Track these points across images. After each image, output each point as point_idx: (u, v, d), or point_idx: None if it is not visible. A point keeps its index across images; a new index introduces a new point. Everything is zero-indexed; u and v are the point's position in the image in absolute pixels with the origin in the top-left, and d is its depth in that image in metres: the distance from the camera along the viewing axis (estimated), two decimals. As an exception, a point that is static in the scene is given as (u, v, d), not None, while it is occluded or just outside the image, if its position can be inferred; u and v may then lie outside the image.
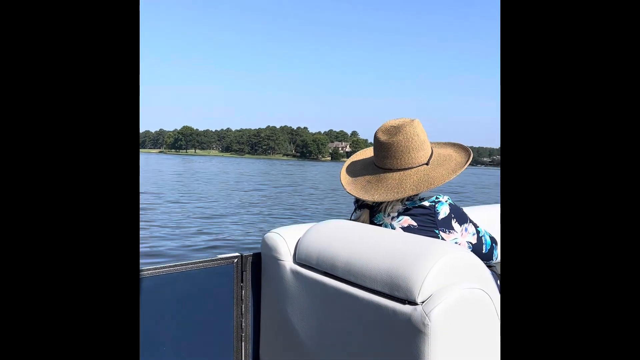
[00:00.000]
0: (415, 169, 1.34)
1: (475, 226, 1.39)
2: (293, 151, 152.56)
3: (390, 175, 1.36)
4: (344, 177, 1.48)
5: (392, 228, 1.33)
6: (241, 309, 1.49)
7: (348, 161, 1.57)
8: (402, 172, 1.35)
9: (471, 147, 1.46)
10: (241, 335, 1.49)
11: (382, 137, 1.37)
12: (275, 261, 1.39)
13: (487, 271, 1.11)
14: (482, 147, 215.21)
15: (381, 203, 1.38)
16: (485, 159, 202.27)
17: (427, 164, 1.35)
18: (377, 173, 1.40)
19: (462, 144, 1.46)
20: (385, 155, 1.37)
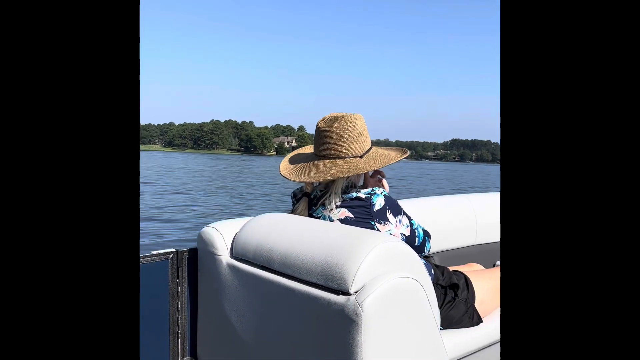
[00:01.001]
0: (347, 159, 1.39)
1: (409, 218, 1.45)
2: (237, 146, 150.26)
3: (323, 161, 1.41)
4: (283, 164, 1.52)
5: (330, 220, 1.37)
6: (177, 306, 1.47)
7: (294, 152, 1.61)
8: (334, 160, 1.39)
9: (417, 142, 1.53)
10: (177, 332, 1.48)
11: (321, 125, 1.43)
12: (212, 256, 1.39)
13: (419, 261, 1.17)
14: (427, 142, 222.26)
15: (322, 197, 1.41)
16: (429, 154, 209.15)
17: (361, 157, 1.40)
18: (312, 160, 1.44)
19: (404, 149, 1.53)
20: (321, 142, 1.42)
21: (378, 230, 1.36)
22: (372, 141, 1.49)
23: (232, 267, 1.33)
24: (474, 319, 1.47)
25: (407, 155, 1.49)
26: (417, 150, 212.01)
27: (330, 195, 1.39)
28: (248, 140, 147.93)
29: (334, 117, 1.42)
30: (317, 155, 1.45)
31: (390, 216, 1.39)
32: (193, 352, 1.51)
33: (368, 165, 1.38)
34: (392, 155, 1.45)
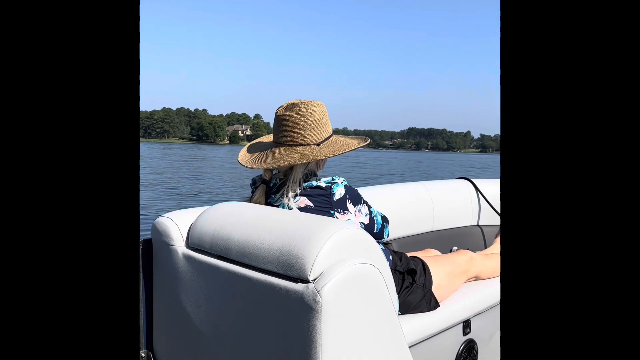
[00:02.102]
0: (303, 146, 1.40)
1: (369, 207, 1.49)
2: (189, 134, 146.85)
3: (279, 149, 1.42)
4: (243, 151, 1.52)
5: (289, 209, 1.38)
6: None
7: (256, 140, 1.61)
8: (289, 147, 1.40)
9: (375, 131, 1.56)
10: None
11: (279, 112, 1.43)
12: (167, 247, 1.37)
13: (378, 247, 1.20)
14: (385, 131, 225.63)
15: (281, 185, 1.42)
16: (387, 142, 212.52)
17: (318, 144, 1.41)
18: (270, 148, 1.45)
19: (365, 137, 1.54)
20: (278, 129, 1.43)
21: (338, 219, 1.38)
22: (336, 130, 1.51)
23: (188, 258, 1.32)
24: (432, 304, 1.53)
25: (367, 143, 1.51)
26: (374, 139, 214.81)
27: (289, 184, 1.40)
28: (200, 128, 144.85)
29: (293, 103, 1.43)
30: (275, 143, 1.45)
31: (350, 205, 1.42)
32: (149, 345, 1.49)
33: (323, 153, 1.39)
34: (351, 143, 1.47)
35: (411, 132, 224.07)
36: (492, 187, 2.46)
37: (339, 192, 1.39)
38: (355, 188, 1.52)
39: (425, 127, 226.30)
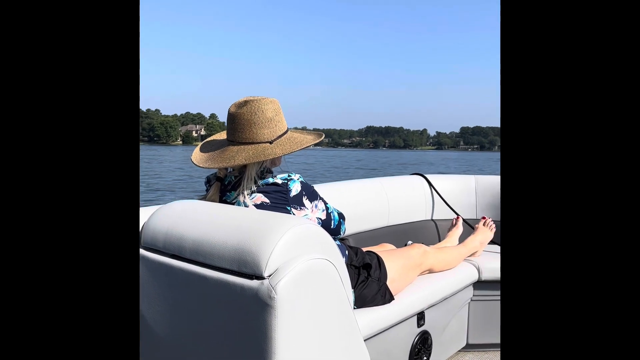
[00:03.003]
0: (255, 144, 1.41)
1: (325, 203, 1.52)
2: (140, 135, 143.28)
3: (231, 147, 1.43)
4: (196, 150, 1.52)
5: (245, 206, 1.39)
6: None
7: (210, 138, 1.61)
8: (241, 146, 1.41)
9: (334, 130, 1.59)
10: None
11: (231, 109, 1.44)
12: None
13: (333, 242, 1.23)
14: (344, 130, 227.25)
15: (236, 182, 1.43)
16: (345, 141, 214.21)
17: (270, 142, 1.42)
18: (223, 146, 1.45)
19: (321, 132, 1.57)
20: (230, 127, 1.44)
21: (294, 215, 1.40)
22: (295, 129, 1.52)
23: (141, 258, 1.31)
24: (386, 297, 1.58)
25: (322, 139, 1.54)
26: (333, 138, 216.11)
27: (244, 181, 1.41)
28: (151, 129, 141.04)
29: (245, 101, 1.43)
30: (228, 141, 1.46)
31: (306, 201, 1.44)
32: None
33: (276, 151, 1.41)
34: (305, 139, 1.49)
35: (369, 131, 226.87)
36: (444, 183, 2.56)
37: (295, 188, 1.41)
38: (312, 185, 1.55)
39: (383, 126, 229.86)
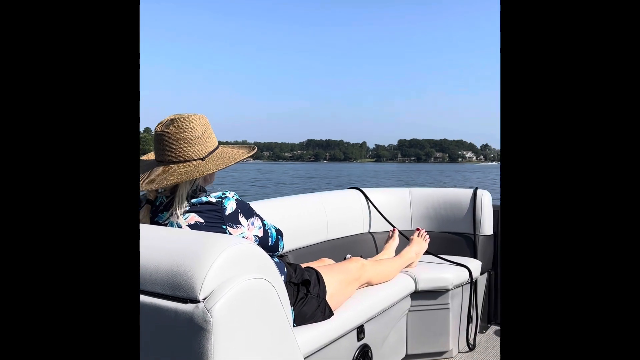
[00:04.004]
0: (187, 162, 1.37)
1: (262, 219, 1.50)
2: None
3: (162, 167, 1.38)
4: None
5: (178, 226, 1.34)
6: None
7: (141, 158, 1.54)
8: (172, 165, 1.37)
9: (275, 143, 1.57)
10: None
11: (158, 129, 1.39)
12: None
13: (270, 260, 1.21)
14: (285, 143, 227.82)
15: (168, 203, 1.38)
16: (286, 154, 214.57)
17: (202, 159, 1.39)
18: (152, 167, 1.40)
19: (253, 145, 1.55)
20: (159, 147, 1.39)
21: (230, 234, 1.37)
22: (230, 143, 1.49)
23: None
24: (326, 313, 1.57)
25: (254, 152, 1.52)
26: (274, 152, 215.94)
27: (176, 201, 1.36)
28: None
29: (172, 119, 1.39)
30: (157, 161, 1.41)
31: (242, 219, 1.42)
32: None
33: (209, 167, 1.38)
34: (238, 154, 1.47)
35: (310, 144, 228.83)
36: (380, 195, 2.61)
37: (230, 206, 1.38)
38: (247, 202, 1.52)
39: (324, 139, 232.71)
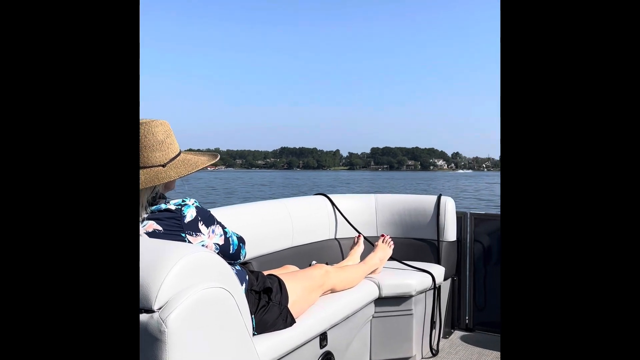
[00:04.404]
0: (147, 169, 1.35)
1: (223, 227, 1.48)
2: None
3: None
4: None
5: None
6: None
7: None
8: None
9: (248, 151, 1.55)
10: None
11: None
12: None
13: (229, 269, 1.20)
14: (258, 151, 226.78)
15: None
16: (259, 162, 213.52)
17: (163, 165, 1.37)
18: None
19: (216, 153, 1.53)
20: None
21: (189, 242, 1.35)
22: (202, 150, 1.48)
23: None
24: (288, 321, 1.57)
25: (217, 159, 1.50)
26: (247, 159, 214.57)
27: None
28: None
29: None
30: None
31: (202, 227, 1.40)
32: None
33: (170, 174, 1.36)
34: (200, 161, 1.45)
35: (284, 152, 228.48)
36: (346, 202, 2.63)
37: (189, 214, 1.37)
38: (208, 209, 1.51)
39: (297, 147, 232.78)
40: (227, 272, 1.17)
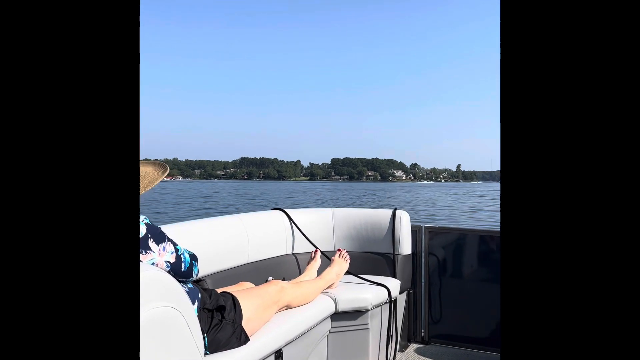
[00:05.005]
0: None
1: (174, 244, 1.45)
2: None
3: None
4: None
5: None
6: None
7: None
8: None
9: (207, 161, 1.51)
10: None
11: None
12: None
13: (179, 288, 1.17)
14: (218, 161, 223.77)
15: None
16: (219, 172, 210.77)
17: None
18: None
19: (160, 162, 1.50)
20: None
21: (140, 260, 1.32)
22: (166, 161, 1.43)
23: None
24: (242, 339, 1.54)
25: (167, 172, 1.46)
26: (206, 169, 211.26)
27: None
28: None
29: None
30: None
31: (152, 244, 1.37)
32: None
33: None
34: (154, 175, 1.41)
35: (244, 162, 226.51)
36: (304, 216, 2.62)
37: (139, 231, 1.33)
38: (159, 226, 1.47)
39: (258, 157, 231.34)
40: (176, 291, 1.15)
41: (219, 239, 2.10)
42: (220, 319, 1.52)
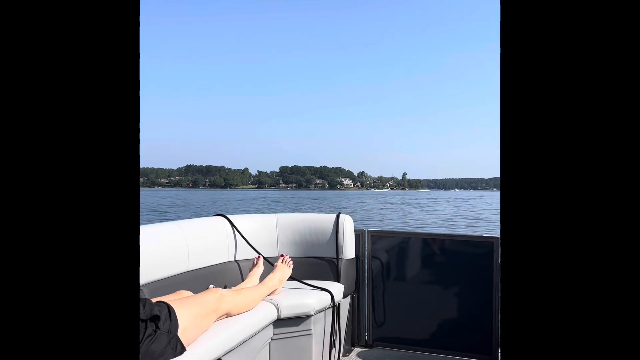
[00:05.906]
0: None
1: None
2: None
3: None
4: None
5: None
6: None
7: None
8: None
9: (151, 169, 1.45)
10: None
11: None
12: None
13: None
14: (162, 169, 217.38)
15: None
16: (163, 180, 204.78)
17: None
18: None
19: None
20: None
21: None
22: None
23: None
24: (177, 349, 1.48)
25: None
26: (149, 178, 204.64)
27: None
28: None
29: None
30: None
31: None
32: None
33: None
34: None
35: (189, 170, 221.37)
36: (246, 222, 2.58)
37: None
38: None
39: (204, 164, 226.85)
40: None
41: (156, 247, 2.01)
42: (155, 329, 1.45)
